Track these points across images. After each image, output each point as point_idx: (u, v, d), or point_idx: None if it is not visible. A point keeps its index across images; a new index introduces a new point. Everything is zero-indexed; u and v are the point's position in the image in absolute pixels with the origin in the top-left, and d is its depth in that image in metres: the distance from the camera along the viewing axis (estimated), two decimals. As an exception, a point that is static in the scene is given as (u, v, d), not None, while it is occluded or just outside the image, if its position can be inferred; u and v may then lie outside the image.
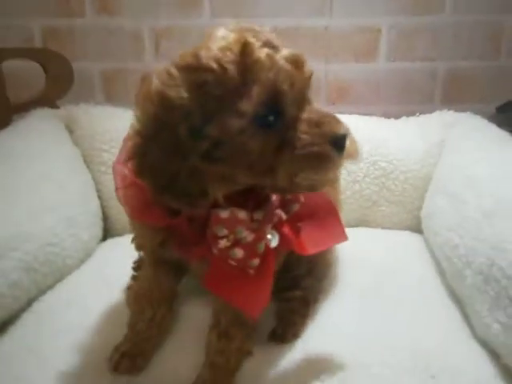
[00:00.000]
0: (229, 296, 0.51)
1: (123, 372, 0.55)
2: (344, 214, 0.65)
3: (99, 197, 0.93)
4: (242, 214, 0.47)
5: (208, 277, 0.51)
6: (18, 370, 0.55)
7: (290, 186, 0.44)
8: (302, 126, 0.43)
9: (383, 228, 0.92)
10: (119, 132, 0.96)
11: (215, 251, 0.49)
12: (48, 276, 0.70)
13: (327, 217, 0.56)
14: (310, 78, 0.45)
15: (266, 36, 0.43)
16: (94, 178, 0.94)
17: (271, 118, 0.41)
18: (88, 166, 0.95)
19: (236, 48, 0.40)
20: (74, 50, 1.17)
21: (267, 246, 0.50)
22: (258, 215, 0.48)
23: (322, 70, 1.16)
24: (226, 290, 0.51)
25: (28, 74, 1.08)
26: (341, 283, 0.71)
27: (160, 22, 1.17)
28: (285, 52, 0.43)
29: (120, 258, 0.73)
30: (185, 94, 0.40)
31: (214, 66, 0.40)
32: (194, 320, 0.62)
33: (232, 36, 0.42)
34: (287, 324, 0.62)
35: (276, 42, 0.44)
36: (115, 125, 0.97)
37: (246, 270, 0.49)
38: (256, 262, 0.49)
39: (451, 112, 0.97)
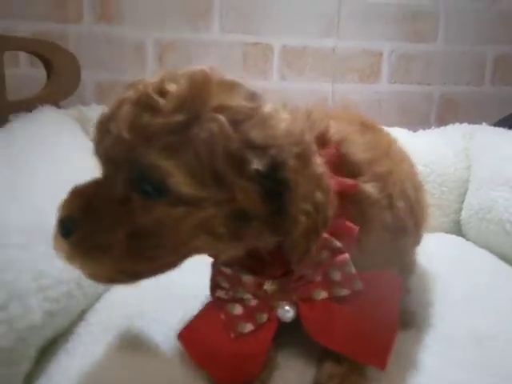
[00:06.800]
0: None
1: None
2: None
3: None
4: (247, 278, 0.43)
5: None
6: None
7: None
8: None
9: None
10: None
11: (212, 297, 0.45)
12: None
13: (379, 328, 0.43)
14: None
15: None
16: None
17: None
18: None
19: None
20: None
21: (272, 317, 0.43)
22: (269, 286, 0.42)
23: (329, 90, 1.18)
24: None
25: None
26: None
27: (165, 34, 1.12)
28: None
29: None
30: None
31: None
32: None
33: None
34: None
35: None
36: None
37: (232, 331, 0.43)
38: (247, 327, 0.43)
39: (465, 124, 1.03)
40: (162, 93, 0.34)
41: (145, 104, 0.34)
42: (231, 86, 0.37)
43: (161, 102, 0.34)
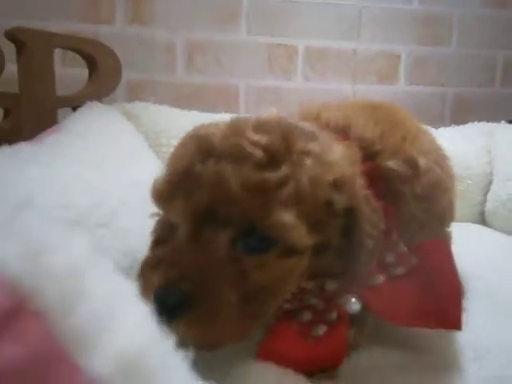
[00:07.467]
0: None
1: None
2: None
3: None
4: (307, 284, 0.42)
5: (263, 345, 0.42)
6: None
7: None
8: None
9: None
10: (187, 130, 0.90)
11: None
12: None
13: (444, 293, 0.44)
14: None
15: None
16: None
17: None
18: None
19: None
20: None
21: (342, 313, 0.43)
22: (330, 285, 0.43)
23: (349, 91, 1.23)
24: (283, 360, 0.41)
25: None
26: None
27: (194, 35, 1.15)
28: None
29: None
30: None
31: None
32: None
33: None
34: None
35: None
36: (180, 122, 0.90)
37: (308, 337, 0.42)
38: (322, 329, 0.42)
39: (483, 123, 1.08)
40: (255, 144, 0.34)
41: (242, 159, 0.33)
42: (300, 131, 0.38)
43: (259, 155, 0.33)
